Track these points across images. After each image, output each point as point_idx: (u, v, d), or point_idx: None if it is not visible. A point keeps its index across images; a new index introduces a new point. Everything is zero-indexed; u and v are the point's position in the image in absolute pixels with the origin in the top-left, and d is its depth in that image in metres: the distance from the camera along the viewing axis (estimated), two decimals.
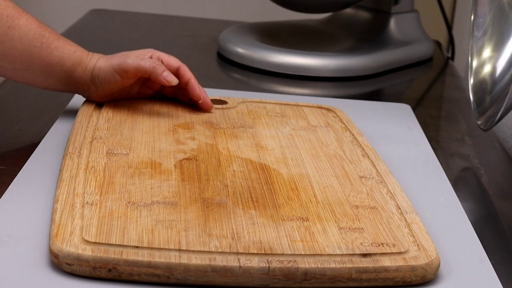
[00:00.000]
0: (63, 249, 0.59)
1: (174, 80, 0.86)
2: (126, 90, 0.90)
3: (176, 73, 0.88)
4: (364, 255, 0.62)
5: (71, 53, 0.86)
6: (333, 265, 0.60)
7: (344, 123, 0.90)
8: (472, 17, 0.99)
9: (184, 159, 0.76)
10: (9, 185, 0.72)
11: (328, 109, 0.95)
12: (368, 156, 0.81)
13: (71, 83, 0.87)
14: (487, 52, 0.97)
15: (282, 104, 0.95)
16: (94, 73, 0.86)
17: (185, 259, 0.59)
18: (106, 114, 0.86)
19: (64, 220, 0.63)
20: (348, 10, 1.35)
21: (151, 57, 0.88)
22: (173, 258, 0.59)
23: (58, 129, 0.85)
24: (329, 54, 1.20)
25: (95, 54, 0.88)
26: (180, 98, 0.92)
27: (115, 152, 0.77)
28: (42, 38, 0.84)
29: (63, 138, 0.82)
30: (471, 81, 0.97)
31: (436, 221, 0.72)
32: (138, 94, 0.91)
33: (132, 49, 1.31)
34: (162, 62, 0.88)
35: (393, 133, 0.94)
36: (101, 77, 0.86)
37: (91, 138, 0.79)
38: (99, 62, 0.86)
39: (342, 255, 0.61)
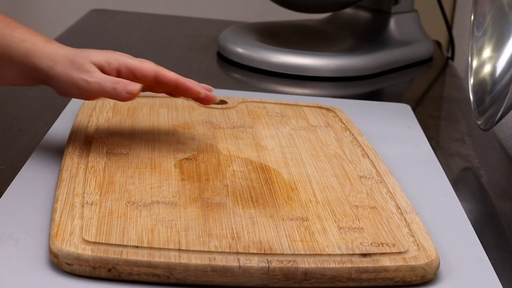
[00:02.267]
0: (63, 249, 0.59)
1: (135, 88, 0.72)
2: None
3: (156, 81, 0.76)
4: (364, 255, 0.62)
5: (19, 42, 0.74)
6: (333, 265, 0.60)
7: (344, 123, 0.90)
8: (472, 17, 0.99)
9: (184, 159, 0.76)
10: (9, 185, 0.72)
11: (328, 109, 0.95)
12: (368, 156, 0.81)
13: (26, 75, 0.76)
14: (487, 52, 0.97)
15: (282, 104, 0.95)
16: (50, 74, 0.74)
17: (185, 259, 0.59)
18: (106, 114, 0.86)
19: (64, 220, 0.63)
20: (348, 10, 1.35)
21: (118, 71, 0.75)
22: (173, 258, 0.59)
23: (58, 129, 0.85)
24: (329, 54, 1.20)
25: (53, 48, 0.75)
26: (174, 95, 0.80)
27: (115, 152, 0.77)
28: None
29: (63, 138, 0.81)
30: (471, 81, 0.97)
31: (436, 221, 0.72)
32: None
33: (131, 49, 1.31)
34: (135, 74, 0.75)
35: (393, 133, 0.94)
36: (58, 83, 0.74)
37: (91, 138, 0.79)
38: (58, 67, 0.74)
39: (342, 255, 0.61)
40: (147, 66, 0.75)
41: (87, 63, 0.74)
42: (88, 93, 0.74)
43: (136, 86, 0.72)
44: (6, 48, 0.74)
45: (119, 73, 0.75)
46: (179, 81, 0.76)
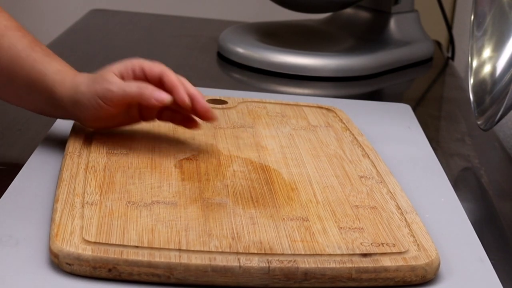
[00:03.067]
0: (63, 249, 0.59)
1: (166, 98, 0.74)
2: (121, 117, 0.79)
3: (160, 80, 0.77)
4: (364, 255, 0.62)
5: (55, 71, 0.77)
6: (333, 265, 0.60)
7: (344, 123, 0.90)
8: (472, 17, 0.99)
9: (184, 159, 0.76)
10: (9, 185, 0.72)
11: (328, 109, 0.95)
12: (368, 156, 0.81)
13: (55, 105, 0.78)
14: (487, 52, 0.97)
15: (282, 104, 0.95)
16: (76, 98, 0.76)
17: (185, 259, 0.59)
18: None
19: (64, 220, 0.63)
20: (348, 10, 1.35)
21: (134, 71, 0.77)
22: (173, 258, 0.59)
23: (58, 129, 0.85)
24: (329, 54, 1.20)
25: (80, 76, 0.78)
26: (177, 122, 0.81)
27: (115, 152, 0.77)
28: (30, 51, 0.78)
29: (63, 138, 0.82)
30: (471, 81, 0.97)
31: (436, 221, 0.72)
32: (141, 118, 0.80)
33: (131, 49, 1.31)
34: (144, 72, 0.77)
35: (393, 133, 0.94)
36: (84, 103, 0.76)
37: (91, 138, 0.79)
38: (82, 87, 0.76)
39: (342, 255, 0.61)
40: (156, 66, 0.77)
41: (107, 73, 0.76)
42: (114, 102, 0.75)
43: (166, 96, 0.74)
44: (42, 75, 0.77)
45: (134, 74, 0.77)
46: (176, 87, 0.75)
